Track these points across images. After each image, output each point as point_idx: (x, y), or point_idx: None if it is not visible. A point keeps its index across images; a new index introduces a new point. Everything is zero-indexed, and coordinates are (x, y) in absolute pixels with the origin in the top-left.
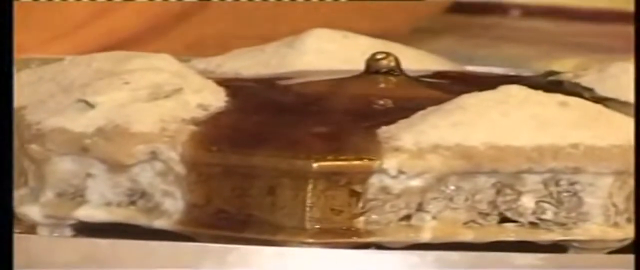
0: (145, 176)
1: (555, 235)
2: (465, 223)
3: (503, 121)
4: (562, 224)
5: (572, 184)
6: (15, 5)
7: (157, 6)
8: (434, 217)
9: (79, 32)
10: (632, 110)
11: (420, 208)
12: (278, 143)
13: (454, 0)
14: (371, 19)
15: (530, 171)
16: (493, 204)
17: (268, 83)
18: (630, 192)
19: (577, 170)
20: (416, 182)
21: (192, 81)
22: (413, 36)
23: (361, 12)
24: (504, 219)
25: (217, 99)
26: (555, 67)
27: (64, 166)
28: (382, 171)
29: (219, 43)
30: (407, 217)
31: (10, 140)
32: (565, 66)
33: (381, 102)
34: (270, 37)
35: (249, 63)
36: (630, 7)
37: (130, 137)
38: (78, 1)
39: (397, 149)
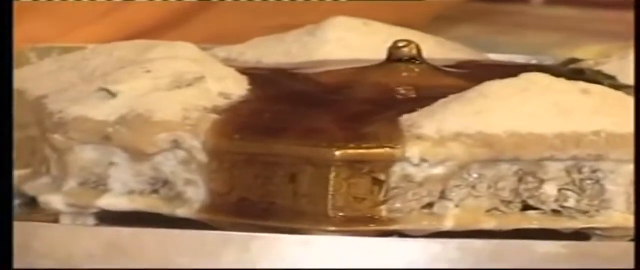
0: (168, 165)
1: (578, 223)
2: (488, 211)
3: (525, 109)
4: (585, 212)
5: (594, 171)
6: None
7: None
8: (456, 205)
9: (100, 22)
10: None
11: (442, 196)
12: (300, 131)
13: None
14: (392, 9)
15: (552, 159)
16: (516, 191)
17: (290, 72)
18: None
19: (599, 158)
20: (438, 170)
21: (214, 69)
22: (434, 24)
23: (382, 2)
24: (526, 207)
25: (239, 87)
26: (578, 54)
27: (86, 155)
28: (405, 159)
29: (241, 33)
30: (430, 205)
31: (10, 139)
32: (587, 54)
33: (403, 90)
34: (293, 28)
35: (271, 51)
36: None
37: (153, 126)
38: None
39: (419, 137)
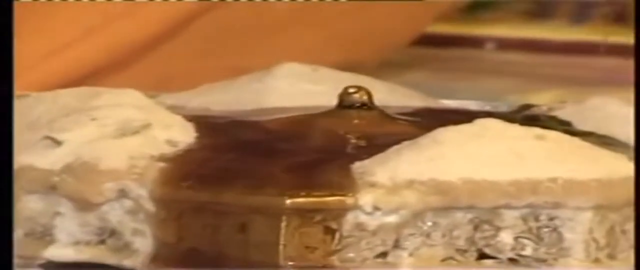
0: (115, 214)
1: None
2: (443, 260)
3: (479, 155)
4: (543, 260)
5: (551, 219)
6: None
7: (118, 38)
8: (410, 254)
9: (38, 68)
10: (611, 143)
11: (396, 245)
12: (250, 179)
13: (422, 33)
14: (338, 51)
15: (508, 206)
16: (471, 240)
17: (238, 119)
18: (611, 227)
19: (556, 205)
20: (392, 219)
21: (161, 117)
22: (384, 69)
23: (328, 43)
24: (482, 256)
25: (186, 135)
26: (532, 100)
27: (32, 205)
28: (357, 207)
29: (188, 74)
30: (383, 254)
31: (10, 140)
32: (541, 99)
33: (354, 137)
34: (240, 69)
35: (219, 98)
36: (607, 38)
37: (99, 175)
38: (37, 37)
39: (372, 185)
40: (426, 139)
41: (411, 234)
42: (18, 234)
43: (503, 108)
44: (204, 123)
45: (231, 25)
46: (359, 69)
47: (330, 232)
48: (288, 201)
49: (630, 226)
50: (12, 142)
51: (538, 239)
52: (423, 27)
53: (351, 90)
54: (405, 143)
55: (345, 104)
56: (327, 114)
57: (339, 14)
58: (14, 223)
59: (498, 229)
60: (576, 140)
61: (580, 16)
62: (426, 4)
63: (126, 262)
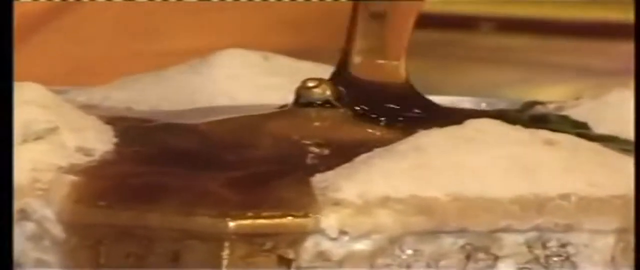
0: (14, 241)
1: None
2: None
3: (472, 165)
4: None
5: (563, 245)
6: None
7: None
8: None
9: None
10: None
11: None
12: (183, 197)
13: None
14: (291, 32)
15: (509, 229)
16: None
17: (168, 121)
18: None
19: (568, 228)
20: (362, 245)
21: (71, 118)
22: None
23: (279, 23)
24: None
25: (102, 141)
26: (539, 96)
27: None
28: (319, 231)
29: (98, 64)
30: None
31: (10, 138)
32: (552, 95)
33: (315, 143)
34: (169, 55)
35: (144, 94)
36: (629, 17)
37: None
38: None
39: (337, 203)
40: (405, 145)
41: (387, 265)
42: None
43: (502, 106)
44: (125, 126)
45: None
46: (316, 55)
47: (285, 262)
48: (231, 224)
49: None
50: (11, 141)
51: None
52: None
53: (310, 83)
54: (378, 150)
55: (303, 101)
56: (281, 114)
57: None
58: (14, 223)
59: (496, 259)
60: (593, 147)
61: None
62: None
63: None
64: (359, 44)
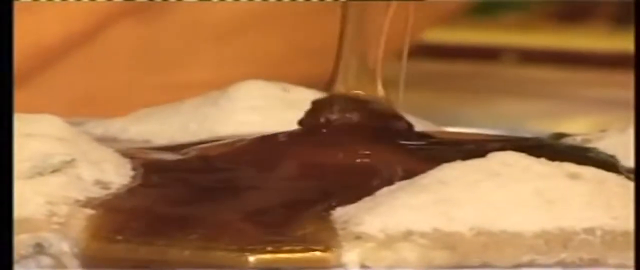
0: None
1: None
2: None
3: (496, 199)
4: None
5: None
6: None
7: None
8: None
9: None
10: None
11: None
12: (202, 230)
13: (419, 41)
14: (310, 61)
15: (533, 264)
16: None
17: (187, 152)
18: None
19: (594, 263)
20: None
21: (88, 150)
22: None
23: (291, 52)
24: None
25: (120, 173)
26: (564, 128)
27: None
28: (340, 266)
29: (112, 96)
30: None
31: (10, 138)
32: (577, 127)
33: (336, 173)
34: (187, 87)
35: (162, 126)
36: None
37: None
38: None
39: (358, 237)
40: (428, 178)
41: None
42: None
43: (526, 138)
44: (143, 158)
45: (168, 31)
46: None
47: None
48: (251, 258)
49: None
50: (11, 142)
51: None
52: (419, 33)
53: (321, 105)
54: (401, 183)
55: (312, 123)
56: (300, 140)
57: (304, 16)
58: (14, 223)
59: None
60: (619, 180)
61: (624, 19)
62: (424, 4)
63: None
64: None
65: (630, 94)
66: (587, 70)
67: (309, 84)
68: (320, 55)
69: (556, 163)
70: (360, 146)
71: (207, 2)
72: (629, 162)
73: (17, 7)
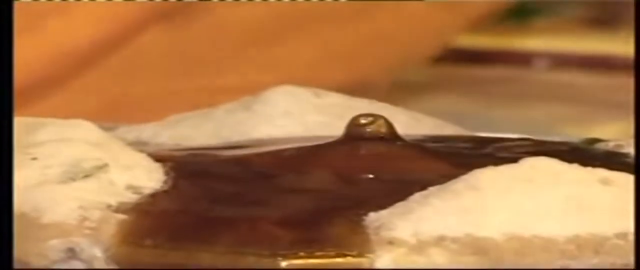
0: None
1: None
2: None
3: (528, 204)
4: None
5: None
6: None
7: (47, 44)
8: None
9: None
10: None
11: None
12: (233, 235)
13: (450, 46)
14: (339, 68)
15: (565, 269)
16: None
17: (218, 156)
18: None
19: (626, 267)
20: None
21: (120, 155)
22: (400, 93)
23: (326, 58)
24: None
25: (152, 178)
26: (595, 133)
27: None
28: None
29: (145, 101)
30: None
31: (10, 139)
32: (608, 132)
33: (368, 179)
34: (215, 91)
35: (194, 132)
36: None
37: (41, 230)
38: None
39: (391, 242)
40: (460, 184)
41: None
42: None
43: (559, 143)
44: (174, 163)
45: (200, 35)
46: (367, 91)
47: None
48: (283, 263)
49: None
50: (11, 142)
51: None
52: (451, 38)
53: (364, 120)
54: (433, 189)
55: (355, 137)
56: (334, 147)
57: (339, 22)
58: (14, 222)
59: None
60: None
61: None
62: (455, 8)
63: None
64: None
65: None
66: (619, 76)
67: (341, 90)
68: (353, 61)
69: (588, 168)
70: (394, 152)
71: (239, 5)
72: None
73: (46, 8)
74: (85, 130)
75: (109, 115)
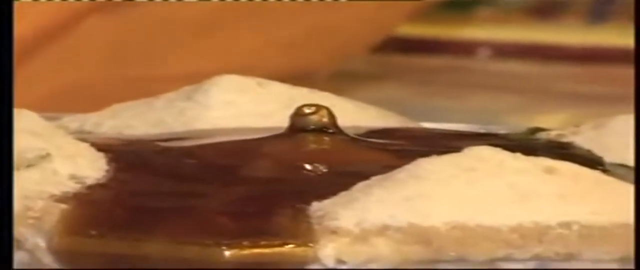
0: None
1: None
2: None
3: (471, 193)
4: None
5: None
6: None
7: None
8: None
9: None
10: None
11: None
12: (177, 225)
13: (392, 36)
14: (280, 57)
15: (509, 258)
16: None
17: (161, 146)
18: None
19: (570, 257)
20: None
21: (63, 145)
22: (344, 82)
23: (267, 47)
24: None
25: (95, 168)
26: (539, 122)
27: None
28: (316, 260)
29: (86, 90)
30: None
31: (10, 139)
32: (552, 122)
33: (312, 169)
34: (162, 81)
35: (136, 121)
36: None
37: None
38: None
39: (334, 232)
40: (403, 173)
41: None
42: None
43: (502, 133)
44: (117, 152)
45: (142, 24)
46: (309, 80)
47: None
48: (227, 253)
49: None
50: (12, 144)
51: None
52: (392, 27)
53: (307, 109)
54: (376, 178)
55: (298, 127)
56: (277, 139)
57: (280, 12)
58: (14, 222)
59: None
60: (596, 174)
61: (599, 14)
62: None
63: None
64: None
65: (604, 89)
66: (561, 65)
67: (284, 79)
68: (294, 50)
69: (531, 158)
70: (337, 144)
71: None
72: (605, 156)
73: None
74: (28, 120)
75: (51, 105)
